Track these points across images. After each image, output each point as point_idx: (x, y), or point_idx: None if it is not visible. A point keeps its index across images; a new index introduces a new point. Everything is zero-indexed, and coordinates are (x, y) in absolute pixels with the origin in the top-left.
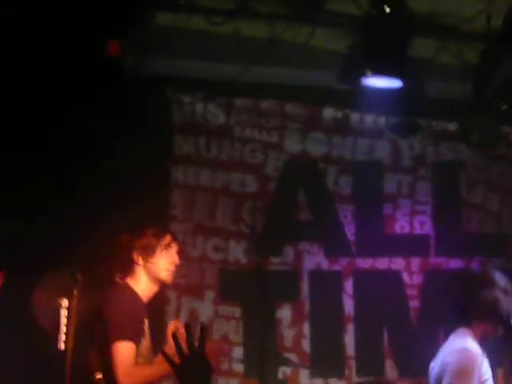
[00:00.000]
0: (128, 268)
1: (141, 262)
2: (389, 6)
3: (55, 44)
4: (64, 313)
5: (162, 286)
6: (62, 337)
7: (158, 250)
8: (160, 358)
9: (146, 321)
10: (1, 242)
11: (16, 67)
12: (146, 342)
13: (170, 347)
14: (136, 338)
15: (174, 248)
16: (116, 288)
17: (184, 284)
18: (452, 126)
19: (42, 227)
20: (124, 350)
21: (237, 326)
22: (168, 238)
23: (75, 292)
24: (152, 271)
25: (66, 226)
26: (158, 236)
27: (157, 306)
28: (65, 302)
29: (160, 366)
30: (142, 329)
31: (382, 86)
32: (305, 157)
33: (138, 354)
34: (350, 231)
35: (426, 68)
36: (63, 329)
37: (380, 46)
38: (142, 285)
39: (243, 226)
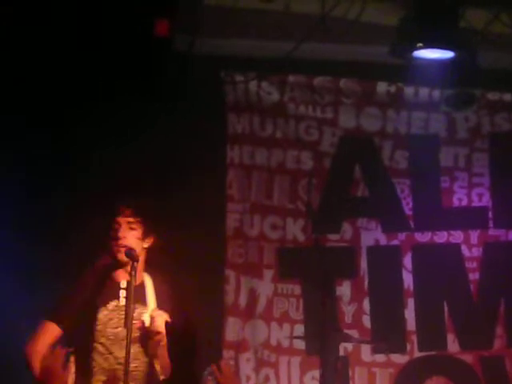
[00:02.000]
0: None
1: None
2: None
3: (104, 24)
4: (123, 294)
5: (120, 263)
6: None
7: (110, 229)
8: None
9: (116, 303)
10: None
11: (67, 47)
12: (106, 326)
13: None
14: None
15: (124, 224)
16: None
17: (242, 263)
18: (507, 97)
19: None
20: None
21: (297, 303)
22: (114, 215)
23: (133, 272)
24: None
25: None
26: (109, 214)
27: (216, 286)
28: (123, 283)
29: None
30: (92, 314)
31: (435, 58)
32: (360, 132)
33: (93, 338)
34: (407, 206)
35: (479, 38)
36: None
37: (432, 17)
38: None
39: (300, 203)
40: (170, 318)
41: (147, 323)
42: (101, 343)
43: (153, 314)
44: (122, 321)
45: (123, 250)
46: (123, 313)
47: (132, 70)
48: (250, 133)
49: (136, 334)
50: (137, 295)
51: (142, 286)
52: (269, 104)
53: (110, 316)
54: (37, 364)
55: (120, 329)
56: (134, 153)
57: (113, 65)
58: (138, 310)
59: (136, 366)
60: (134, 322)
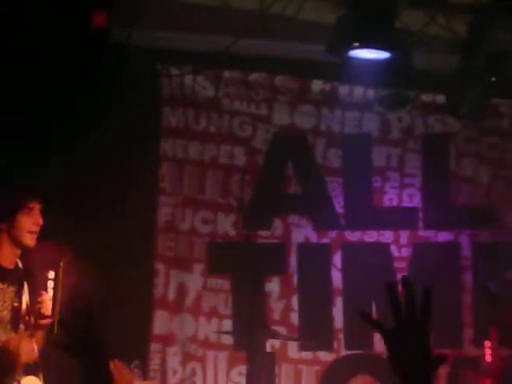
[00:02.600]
0: None
1: (3, 226)
2: None
3: (40, 15)
4: (50, 284)
5: (26, 248)
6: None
7: (20, 213)
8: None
9: (1, 286)
10: None
11: (2, 39)
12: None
13: None
14: None
15: (37, 209)
16: None
17: (172, 257)
18: (440, 98)
19: None
20: None
21: (226, 298)
22: (28, 198)
23: (61, 263)
24: (14, 235)
25: (51, 201)
26: (18, 197)
27: (145, 279)
28: (51, 274)
29: None
30: None
31: (371, 58)
32: (293, 129)
33: None
34: (338, 204)
35: (415, 40)
36: (49, 300)
37: (368, 17)
38: (4, 250)
39: (232, 198)
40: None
41: (23, 305)
42: None
43: (44, 299)
44: (6, 304)
45: (34, 236)
46: (8, 296)
47: (68, 61)
48: (184, 126)
49: (8, 315)
50: (13, 277)
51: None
52: (204, 98)
53: None
54: None
55: (5, 312)
56: (66, 143)
57: (49, 55)
58: (14, 291)
59: None
60: (10, 303)
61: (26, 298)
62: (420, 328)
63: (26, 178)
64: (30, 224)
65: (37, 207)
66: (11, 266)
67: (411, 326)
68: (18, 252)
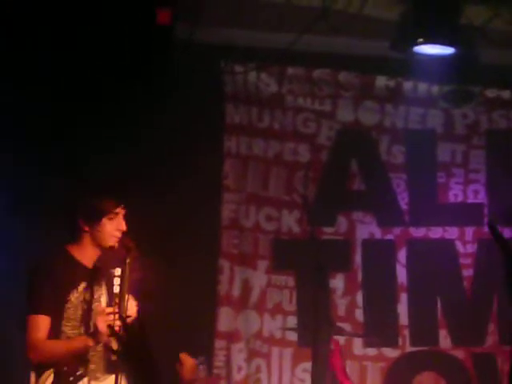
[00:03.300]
0: (74, 233)
1: (87, 228)
2: None
3: (105, 13)
4: (116, 281)
5: (107, 249)
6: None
7: (104, 217)
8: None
9: (84, 285)
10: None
11: (67, 35)
12: (77, 309)
13: None
14: (50, 310)
15: (121, 214)
16: (47, 256)
17: (237, 254)
18: (505, 94)
19: None
20: (33, 324)
21: (290, 295)
22: (114, 204)
23: (128, 260)
24: (97, 238)
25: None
26: (104, 203)
27: (210, 276)
28: (117, 271)
29: (74, 342)
30: (63, 297)
31: (435, 54)
32: (357, 126)
33: (61, 321)
34: (403, 200)
35: (479, 35)
36: (115, 297)
37: (432, 13)
38: (86, 250)
39: (296, 195)
40: (138, 305)
41: (103, 304)
42: (68, 325)
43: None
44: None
45: (117, 239)
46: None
47: (133, 58)
48: (248, 123)
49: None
50: (92, 276)
51: (98, 268)
52: (267, 95)
53: (80, 298)
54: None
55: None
56: (131, 141)
57: (114, 53)
58: (98, 292)
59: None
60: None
61: (105, 298)
62: None
63: (108, 181)
64: (113, 229)
65: (121, 212)
66: (91, 266)
67: None
68: (99, 252)
